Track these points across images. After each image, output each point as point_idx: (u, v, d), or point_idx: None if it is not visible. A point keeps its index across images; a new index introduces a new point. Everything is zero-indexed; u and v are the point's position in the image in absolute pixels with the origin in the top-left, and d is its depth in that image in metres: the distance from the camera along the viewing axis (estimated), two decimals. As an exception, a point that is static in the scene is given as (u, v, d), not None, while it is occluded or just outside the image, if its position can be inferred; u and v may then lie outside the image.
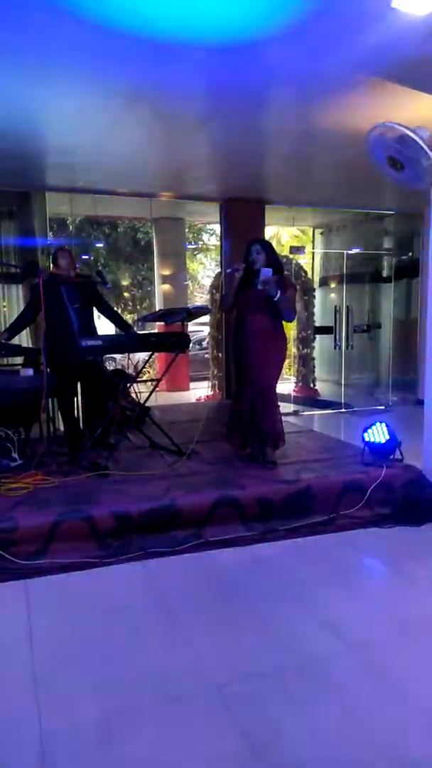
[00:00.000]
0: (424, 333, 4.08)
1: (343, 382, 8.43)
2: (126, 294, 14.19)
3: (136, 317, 13.05)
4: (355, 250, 9.13)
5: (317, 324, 9.06)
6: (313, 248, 10.62)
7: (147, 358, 4.84)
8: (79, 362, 4.24)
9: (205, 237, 15.29)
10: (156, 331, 7.53)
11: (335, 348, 8.41)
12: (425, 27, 2.98)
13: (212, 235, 14.19)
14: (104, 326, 5.04)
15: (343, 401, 8.07)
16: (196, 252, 15.86)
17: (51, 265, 4.64)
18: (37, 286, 4.22)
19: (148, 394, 4.75)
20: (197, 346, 10.61)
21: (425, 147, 3.21)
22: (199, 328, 10.56)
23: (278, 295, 3.86)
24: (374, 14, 2.89)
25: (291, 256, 8.71)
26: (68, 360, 4.23)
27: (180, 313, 4.48)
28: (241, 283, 4.06)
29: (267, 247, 4.09)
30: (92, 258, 13.16)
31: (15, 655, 2.29)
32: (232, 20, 2.95)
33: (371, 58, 3.40)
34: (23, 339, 6.20)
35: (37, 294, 4.14)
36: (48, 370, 4.03)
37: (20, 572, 2.93)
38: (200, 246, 15.71)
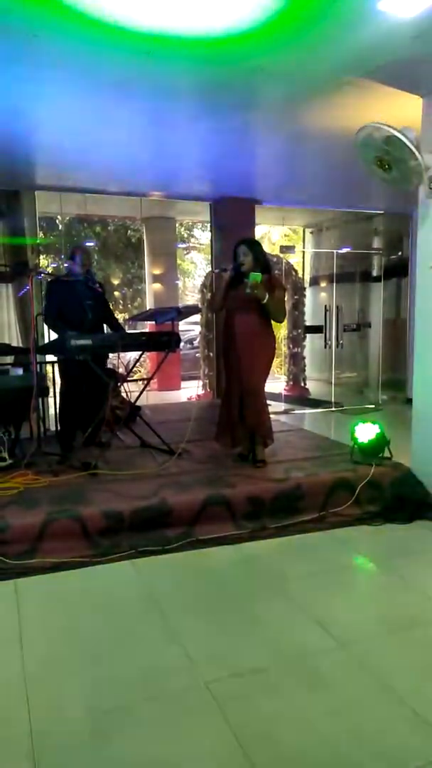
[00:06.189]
0: (413, 332, 4.11)
1: (333, 381, 8.47)
2: (116, 293, 14.15)
3: (127, 316, 13.02)
4: (345, 250, 9.17)
5: (308, 323, 9.09)
6: (304, 247, 10.66)
7: (137, 358, 4.84)
8: (96, 355, 4.17)
9: (197, 233, 15.24)
10: (146, 330, 7.52)
11: (325, 347, 8.44)
12: (412, 28, 3.01)
13: (205, 231, 14.12)
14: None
15: (333, 400, 8.10)
16: (186, 251, 15.84)
17: (68, 263, 4.71)
18: (51, 284, 4.42)
19: (138, 393, 4.75)
20: (188, 346, 10.60)
21: (412, 147, 3.24)
22: (190, 327, 10.55)
23: (266, 298, 3.87)
24: (362, 15, 2.91)
25: (281, 255, 8.74)
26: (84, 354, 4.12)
27: (170, 313, 4.49)
28: (230, 283, 4.07)
29: (254, 247, 4.08)
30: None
31: (5, 653, 2.29)
32: (221, 19, 2.97)
33: (359, 59, 3.42)
34: (13, 338, 6.18)
35: (47, 292, 4.29)
36: (38, 368, 4.01)
37: (10, 571, 2.92)
38: (190, 245, 15.67)
